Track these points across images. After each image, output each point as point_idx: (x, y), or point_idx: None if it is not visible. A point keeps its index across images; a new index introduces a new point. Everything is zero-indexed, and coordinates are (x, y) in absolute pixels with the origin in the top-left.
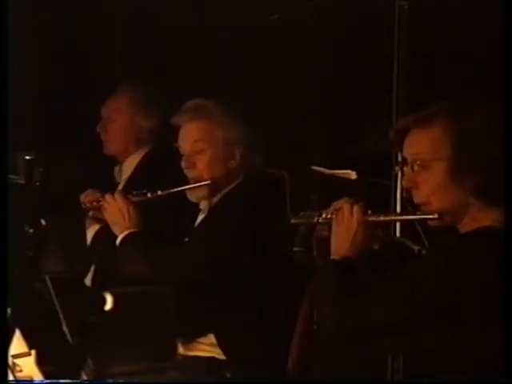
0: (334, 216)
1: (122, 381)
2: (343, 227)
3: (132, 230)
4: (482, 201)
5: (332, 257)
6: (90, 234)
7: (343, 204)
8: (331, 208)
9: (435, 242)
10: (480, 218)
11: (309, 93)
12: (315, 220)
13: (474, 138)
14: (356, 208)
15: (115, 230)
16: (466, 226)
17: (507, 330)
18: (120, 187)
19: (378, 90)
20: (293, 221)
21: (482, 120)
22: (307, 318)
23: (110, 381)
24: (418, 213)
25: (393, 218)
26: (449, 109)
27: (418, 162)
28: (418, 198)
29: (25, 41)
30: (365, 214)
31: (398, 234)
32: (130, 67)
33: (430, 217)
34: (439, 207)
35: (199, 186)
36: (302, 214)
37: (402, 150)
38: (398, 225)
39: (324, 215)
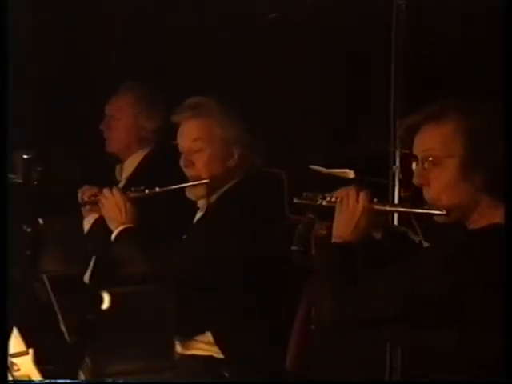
0: (338, 200)
1: (121, 381)
2: (348, 212)
3: (127, 226)
4: (493, 198)
5: (333, 240)
6: (87, 223)
7: (349, 190)
8: (336, 193)
9: (442, 237)
10: (489, 214)
11: (308, 93)
12: (318, 202)
13: (485, 134)
14: (362, 195)
15: (111, 225)
16: (475, 222)
17: (508, 328)
18: (120, 185)
19: (377, 90)
20: (295, 200)
21: (493, 117)
22: (305, 317)
23: (110, 380)
24: (426, 207)
25: (399, 209)
26: (460, 105)
27: (430, 159)
28: (428, 194)
29: (25, 41)
30: (371, 201)
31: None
32: (132, 67)
33: (437, 212)
34: (448, 204)
35: (197, 184)
36: (305, 194)
37: (411, 147)
38: (395, 219)
39: (328, 198)
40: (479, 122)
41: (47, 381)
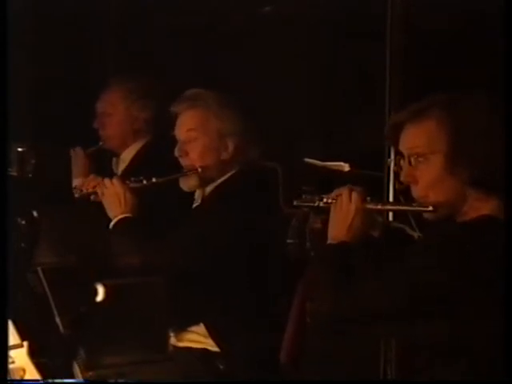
0: (334, 201)
1: (122, 380)
2: (341, 213)
3: (126, 215)
4: (480, 190)
5: (329, 241)
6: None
7: (343, 191)
8: (332, 193)
9: (434, 232)
10: (478, 207)
11: (304, 86)
12: (316, 204)
13: (468, 128)
14: (355, 195)
15: (110, 213)
16: (465, 215)
17: (507, 325)
18: None
19: (373, 83)
20: (295, 203)
21: (476, 111)
22: (300, 310)
23: (112, 381)
24: (415, 204)
25: (389, 207)
26: (442, 101)
27: (415, 156)
28: (416, 192)
29: (25, 39)
30: (363, 201)
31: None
32: (123, 59)
33: (427, 209)
34: (436, 200)
35: (190, 174)
36: (304, 197)
37: (397, 145)
38: (391, 214)
39: (325, 199)
40: (462, 116)
41: (50, 380)
